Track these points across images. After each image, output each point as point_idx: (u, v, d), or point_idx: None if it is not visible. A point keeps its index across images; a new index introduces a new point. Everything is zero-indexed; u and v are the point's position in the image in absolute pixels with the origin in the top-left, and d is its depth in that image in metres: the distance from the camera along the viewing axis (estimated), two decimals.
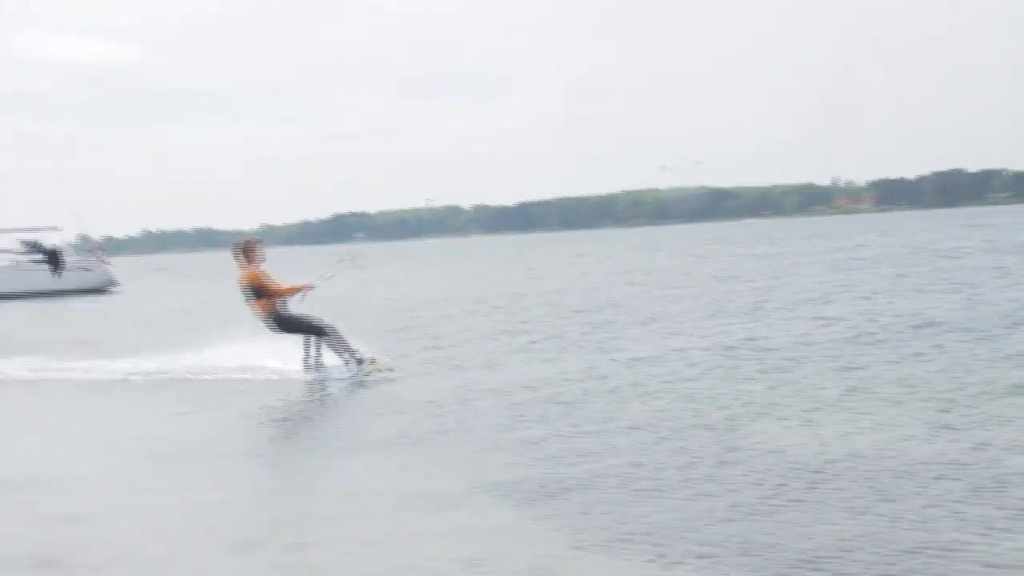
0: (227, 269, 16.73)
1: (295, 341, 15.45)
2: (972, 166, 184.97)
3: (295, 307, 15.51)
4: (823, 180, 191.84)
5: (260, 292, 15.30)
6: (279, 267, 17.96)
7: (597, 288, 31.78)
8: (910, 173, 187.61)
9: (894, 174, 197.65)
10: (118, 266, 54.97)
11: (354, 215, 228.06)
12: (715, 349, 15.52)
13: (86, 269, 50.24)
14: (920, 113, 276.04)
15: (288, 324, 15.41)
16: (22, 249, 50.04)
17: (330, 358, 15.26)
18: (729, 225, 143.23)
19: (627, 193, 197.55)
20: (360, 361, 15.03)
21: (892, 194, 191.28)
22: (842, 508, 7.22)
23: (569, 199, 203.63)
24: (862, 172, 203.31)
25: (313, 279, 15.84)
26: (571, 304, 25.60)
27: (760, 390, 11.89)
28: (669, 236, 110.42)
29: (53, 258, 49.43)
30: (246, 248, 15.46)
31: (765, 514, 7.18)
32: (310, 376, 15.12)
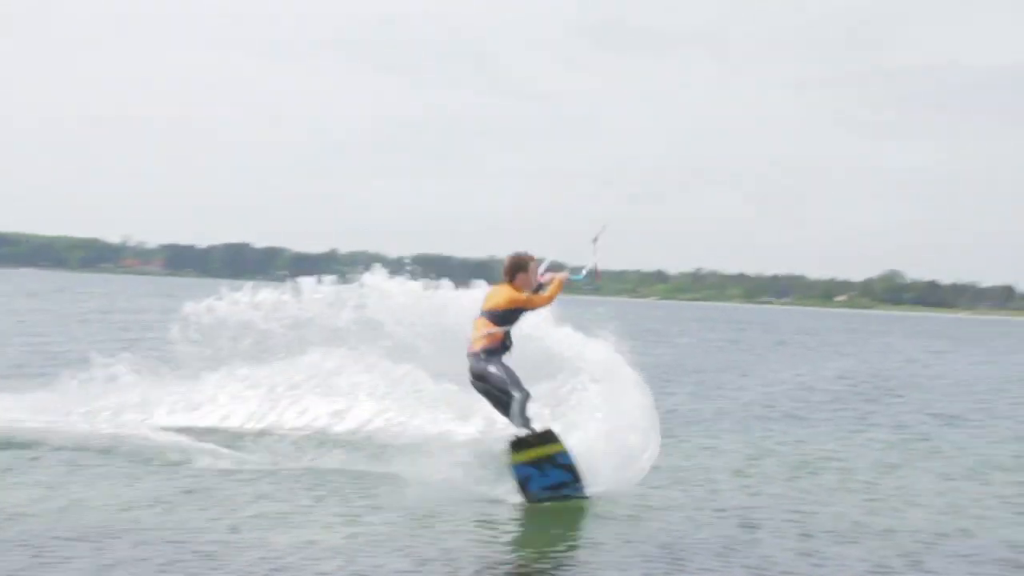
0: None
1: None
2: (259, 242, 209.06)
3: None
4: (113, 238, 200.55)
5: (510, 317, 11.32)
6: None
7: None
8: (202, 242, 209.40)
9: (185, 241, 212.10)
10: None
11: None
12: None
13: None
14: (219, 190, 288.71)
15: (488, 377, 11.21)
16: None
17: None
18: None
19: None
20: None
21: (182, 259, 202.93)
22: None
23: None
24: (154, 235, 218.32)
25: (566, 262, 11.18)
26: None
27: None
28: None
29: None
30: (514, 265, 11.44)
31: None
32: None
